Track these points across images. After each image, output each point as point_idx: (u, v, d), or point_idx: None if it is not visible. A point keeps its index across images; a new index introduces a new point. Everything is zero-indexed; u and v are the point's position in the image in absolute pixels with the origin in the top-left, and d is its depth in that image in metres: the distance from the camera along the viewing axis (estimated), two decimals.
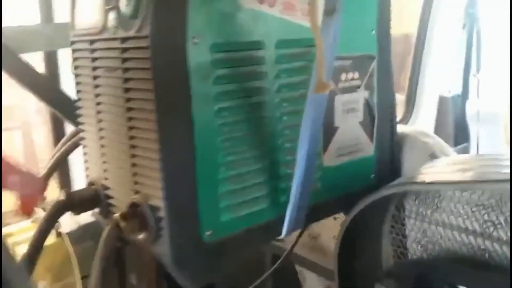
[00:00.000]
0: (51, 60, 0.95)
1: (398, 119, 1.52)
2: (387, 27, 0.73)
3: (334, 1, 0.53)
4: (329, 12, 0.53)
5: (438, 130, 1.66)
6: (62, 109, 0.86)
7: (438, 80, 1.62)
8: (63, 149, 0.79)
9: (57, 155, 0.80)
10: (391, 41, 0.73)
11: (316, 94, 0.54)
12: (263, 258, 1.08)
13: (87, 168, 0.70)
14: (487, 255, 0.60)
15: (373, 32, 0.70)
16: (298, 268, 1.11)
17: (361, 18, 0.69)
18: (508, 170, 0.56)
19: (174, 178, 0.53)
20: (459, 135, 1.72)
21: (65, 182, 1.03)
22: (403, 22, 1.65)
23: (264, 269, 0.98)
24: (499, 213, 0.59)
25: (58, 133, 1.01)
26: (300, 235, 0.87)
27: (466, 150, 1.71)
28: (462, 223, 0.62)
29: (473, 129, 1.71)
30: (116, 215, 0.56)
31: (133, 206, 0.57)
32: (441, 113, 1.67)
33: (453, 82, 1.69)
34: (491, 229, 0.59)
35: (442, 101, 1.66)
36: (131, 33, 0.52)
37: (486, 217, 0.59)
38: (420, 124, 1.58)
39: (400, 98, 1.59)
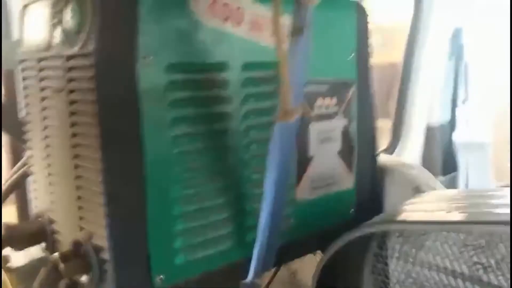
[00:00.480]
0: (10, 80, 0.88)
1: (384, 147, 1.48)
2: (367, 51, 0.68)
3: (302, 20, 0.47)
4: (296, 31, 0.48)
5: (426, 159, 1.63)
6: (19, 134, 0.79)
7: (425, 109, 1.60)
8: (18, 173, 0.73)
9: (10, 180, 0.73)
10: (371, 66, 0.69)
11: (283, 121, 0.49)
12: None
13: (35, 198, 0.63)
14: None
15: (352, 55, 0.65)
16: None
17: (339, 41, 0.65)
18: (499, 210, 0.51)
19: (120, 214, 0.47)
20: (447, 164, 1.69)
21: (23, 208, 0.95)
22: (393, 51, 1.63)
23: None
24: (489, 255, 0.54)
25: (17, 157, 0.94)
26: (275, 272, 0.81)
27: (454, 180, 1.67)
28: (449, 265, 0.58)
29: (462, 158, 1.68)
30: (55, 254, 0.49)
31: (76, 244, 0.50)
32: (428, 142, 1.64)
33: (440, 111, 1.67)
34: (481, 272, 0.55)
35: (429, 130, 1.64)
36: (75, 49, 0.47)
37: (475, 258, 0.55)
38: (407, 153, 1.55)
39: (388, 124, 1.56)
